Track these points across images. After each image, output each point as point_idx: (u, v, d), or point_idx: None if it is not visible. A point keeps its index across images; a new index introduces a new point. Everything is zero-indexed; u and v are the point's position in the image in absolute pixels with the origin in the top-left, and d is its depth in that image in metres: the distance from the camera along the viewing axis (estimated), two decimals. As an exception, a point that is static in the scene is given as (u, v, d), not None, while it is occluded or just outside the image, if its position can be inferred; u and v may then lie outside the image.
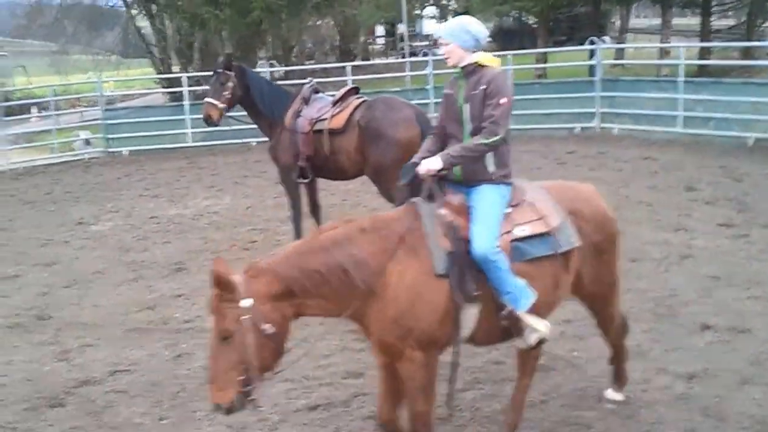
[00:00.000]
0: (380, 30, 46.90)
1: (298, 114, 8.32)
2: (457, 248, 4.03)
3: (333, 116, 8.17)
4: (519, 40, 33.93)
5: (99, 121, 17.66)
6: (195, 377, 5.79)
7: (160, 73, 26.70)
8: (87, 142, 18.07)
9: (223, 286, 3.64)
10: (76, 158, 17.38)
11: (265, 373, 3.82)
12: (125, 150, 17.07)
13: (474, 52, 4.31)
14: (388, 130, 7.82)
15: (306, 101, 8.40)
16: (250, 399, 3.73)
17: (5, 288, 8.38)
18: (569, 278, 4.41)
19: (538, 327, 4.23)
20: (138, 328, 6.92)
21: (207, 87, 9.20)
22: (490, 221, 4.15)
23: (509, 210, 4.27)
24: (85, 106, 24.66)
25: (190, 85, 17.47)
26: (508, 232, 4.20)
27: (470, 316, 4.07)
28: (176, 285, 8.02)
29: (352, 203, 11.10)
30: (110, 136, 17.22)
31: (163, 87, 26.35)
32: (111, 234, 10.50)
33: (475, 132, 4.24)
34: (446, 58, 4.36)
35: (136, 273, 8.56)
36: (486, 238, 4.08)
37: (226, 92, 8.52)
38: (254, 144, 16.75)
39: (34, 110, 24.05)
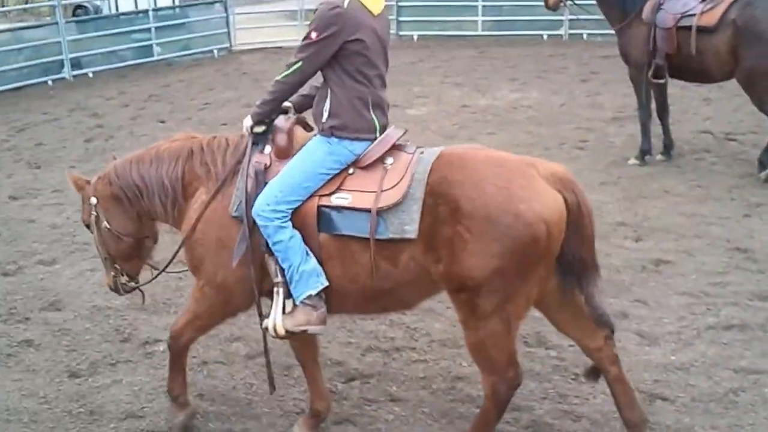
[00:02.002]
0: None
1: (659, 7, 7.69)
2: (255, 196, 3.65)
3: (703, 12, 7.46)
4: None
5: (391, 3, 17.64)
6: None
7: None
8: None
9: (77, 186, 4.17)
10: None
11: (132, 266, 4.25)
12: (415, 34, 17.01)
13: None
14: (768, 32, 7.05)
15: (668, -6, 7.72)
16: (129, 285, 4.26)
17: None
18: (411, 269, 3.53)
19: (274, 318, 3.67)
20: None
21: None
22: (284, 179, 3.61)
23: (351, 171, 3.63)
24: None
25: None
26: (325, 195, 3.59)
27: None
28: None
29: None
30: (401, 19, 17.18)
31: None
32: (430, 120, 10.50)
33: None
34: None
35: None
36: (264, 196, 3.60)
37: (568, -23, 8.08)
38: (545, 37, 16.15)
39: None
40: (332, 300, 3.68)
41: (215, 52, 16.09)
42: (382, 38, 3.68)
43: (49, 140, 9.90)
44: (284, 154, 3.72)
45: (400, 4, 17.12)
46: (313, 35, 3.55)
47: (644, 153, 8.03)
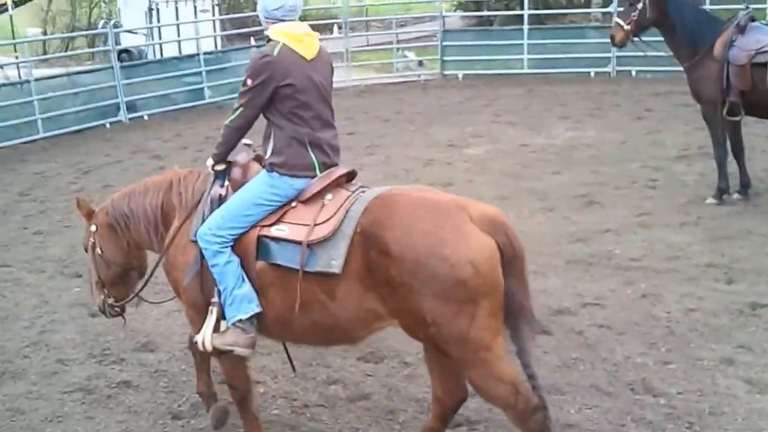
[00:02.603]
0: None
1: (731, 44, 7.65)
2: None
3: (780, 49, 7.42)
4: None
5: (435, 43, 17.82)
6: (679, 321, 5.53)
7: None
8: (420, 63, 18.39)
9: (83, 213, 4.65)
10: (408, 79, 17.75)
11: (118, 292, 4.66)
12: (460, 74, 17.10)
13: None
14: None
15: (741, 30, 7.69)
16: (115, 310, 4.69)
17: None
18: (346, 305, 3.68)
19: (204, 334, 3.98)
20: (580, 261, 6.76)
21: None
22: (228, 207, 3.93)
23: (294, 204, 3.88)
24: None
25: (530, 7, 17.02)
26: (266, 226, 3.86)
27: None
28: (596, 218, 7.78)
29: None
30: (446, 58, 17.29)
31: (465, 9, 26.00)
32: (488, 159, 10.49)
33: None
34: None
35: (544, 202, 8.42)
36: (209, 223, 3.92)
37: (634, 14, 8.08)
38: (592, 75, 16.17)
39: (335, 28, 25.01)
40: (274, 326, 3.97)
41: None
42: (317, 82, 3.91)
43: (116, 182, 9.98)
44: (238, 185, 4.03)
45: (444, 43, 17.26)
46: (249, 82, 3.87)
47: (722, 192, 7.94)
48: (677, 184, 8.65)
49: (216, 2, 23.32)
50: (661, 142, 10.57)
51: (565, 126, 12.22)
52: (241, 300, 3.84)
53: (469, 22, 24.90)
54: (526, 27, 16.69)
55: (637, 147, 10.45)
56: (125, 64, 15.16)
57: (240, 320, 3.86)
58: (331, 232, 3.66)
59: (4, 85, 14.19)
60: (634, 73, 15.77)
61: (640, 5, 7.99)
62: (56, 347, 5.71)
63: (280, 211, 3.87)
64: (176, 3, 23.15)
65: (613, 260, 6.71)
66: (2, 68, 16.87)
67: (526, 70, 16.83)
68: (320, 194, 3.84)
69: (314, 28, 4.17)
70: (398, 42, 22.77)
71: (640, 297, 5.98)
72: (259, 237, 3.83)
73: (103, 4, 31.52)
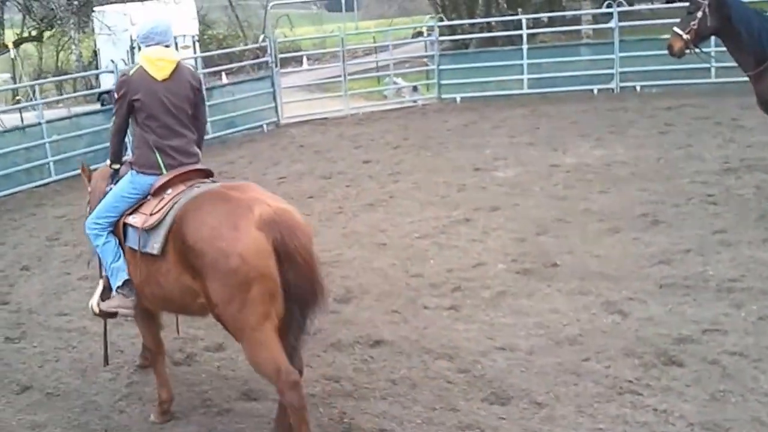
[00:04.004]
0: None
1: (802, 52, 7.42)
2: None
3: None
4: None
5: (425, 68, 17.52)
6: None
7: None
8: (415, 88, 18.05)
9: (85, 175, 5.54)
10: (403, 105, 17.37)
11: None
12: (458, 97, 16.78)
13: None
14: None
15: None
16: None
17: (483, 232, 8.17)
18: (170, 280, 4.49)
19: (93, 299, 5.04)
20: (674, 284, 6.39)
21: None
22: (105, 200, 4.87)
23: (148, 198, 4.70)
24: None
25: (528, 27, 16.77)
26: (128, 215, 4.70)
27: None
28: (669, 238, 7.43)
29: None
30: (442, 82, 16.97)
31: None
32: (525, 181, 10.12)
33: None
34: None
35: (605, 223, 8.06)
36: (93, 212, 4.90)
37: (693, 22, 7.78)
38: (595, 92, 15.97)
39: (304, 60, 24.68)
40: (141, 297, 4.80)
41: (264, 126, 15.78)
42: (162, 98, 4.72)
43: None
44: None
45: (441, 67, 16.94)
46: (115, 96, 4.83)
47: (795, 205, 7.66)
48: (737, 199, 8.35)
49: (195, 39, 22.81)
50: (698, 156, 10.30)
51: (589, 144, 11.90)
52: (117, 270, 4.76)
53: (447, 45, 24.65)
54: (525, 47, 16.43)
55: (676, 163, 10.16)
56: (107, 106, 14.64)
57: (120, 287, 4.77)
58: (157, 221, 4.51)
59: (12, 129, 13.59)
60: (638, 88, 15.60)
61: (699, 14, 7.70)
62: (151, 399, 5.30)
63: (138, 203, 4.72)
64: (158, 41, 22.73)
65: (710, 282, 6.35)
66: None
67: (526, 90, 16.56)
68: (163, 189, 4.68)
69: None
70: (378, 68, 22.64)
71: (757, 320, 5.62)
72: (123, 224, 4.74)
73: (73, 46, 30.64)
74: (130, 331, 6.36)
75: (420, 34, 22.21)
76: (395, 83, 19.19)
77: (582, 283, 6.60)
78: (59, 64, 32.16)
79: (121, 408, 5.33)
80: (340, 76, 22.08)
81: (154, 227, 4.49)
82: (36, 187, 12.52)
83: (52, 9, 18.22)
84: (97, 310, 4.99)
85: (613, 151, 11.30)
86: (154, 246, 4.46)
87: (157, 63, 4.75)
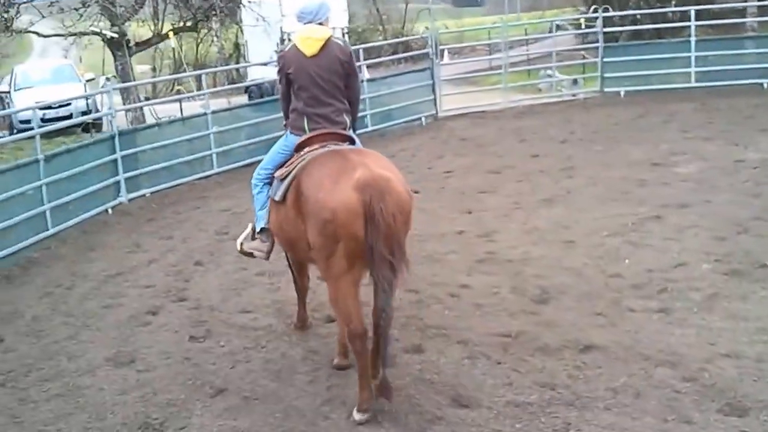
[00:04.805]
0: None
1: None
2: None
3: None
4: None
5: (589, 60, 17.00)
6: None
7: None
8: (575, 81, 17.59)
9: None
10: (562, 99, 16.95)
11: None
12: (622, 90, 16.20)
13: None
14: None
15: None
16: None
17: (666, 239, 7.78)
18: (290, 225, 5.12)
19: (240, 237, 5.98)
20: None
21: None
22: (266, 156, 5.63)
23: (293, 154, 5.32)
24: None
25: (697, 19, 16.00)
26: (277, 169, 5.36)
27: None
28: None
29: None
30: (606, 75, 16.41)
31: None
32: (710, 177, 9.63)
33: None
34: None
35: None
36: (257, 168, 5.68)
37: None
38: (765, 86, 15.07)
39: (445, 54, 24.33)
40: (277, 241, 5.65)
41: (423, 119, 15.71)
42: (311, 72, 5.31)
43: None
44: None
45: (604, 60, 16.39)
46: (277, 69, 5.66)
47: None
48: None
49: (345, 31, 23.04)
50: None
51: (769, 139, 11.24)
52: (260, 218, 5.64)
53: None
54: (693, 39, 15.70)
55: None
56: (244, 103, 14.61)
57: (259, 232, 5.68)
58: (287, 172, 5.16)
59: (176, 120, 13.77)
60: (817, 80, 14.63)
61: None
62: (354, 404, 4.92)
63: (287, 159, 5.36)
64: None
65: None
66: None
67: (693, 84, 15.79)
68: (302, 147, 5.29)
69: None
70: (528, 61, 22.25)
71: None
72: (272, 177, 5.44)
73: (215, 38, 31.64)
74: (321, 331, 6.28)
75: (558, 27, 21.64)
76: (549, 76, 18.78)
77: (800, 286, 6.17)
78: (198, 56, 33.29)
79: (325, 413, 4.99)
80: (488, 69, 22.23)
81: (283, 178, 5.16)
82: (198, 179, 12.34)
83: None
84: (239, 248, 5.95)
85: (803, 146, 10.62)
86: (278, 193, 5.17)
87: (306, 41, 5.35)
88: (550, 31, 21.69)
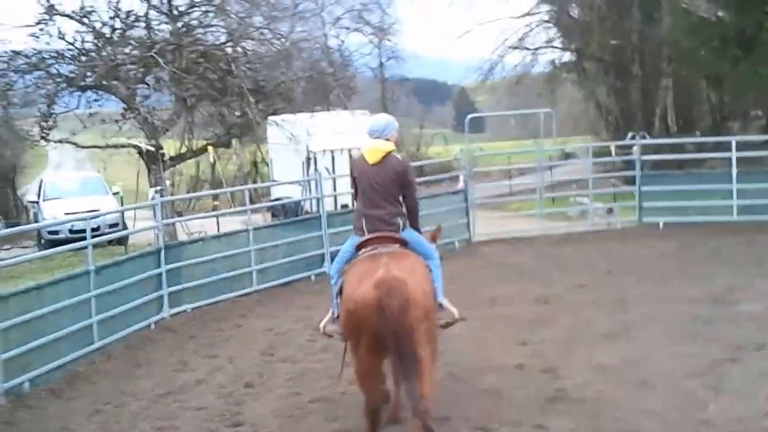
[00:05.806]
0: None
1: None
2: None
3: None
4: None
5: (632, 188, 16.76)
6: None
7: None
8: (610, 210, 17.39)
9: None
10: (596, 228, 16.68)
11: None
12: (661, 221, 15.99)
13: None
14: None
15: None
16: None
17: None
18: None
19: (323, 320, 6.81)
20: None
21: None
22: (339, 252, 6.56)
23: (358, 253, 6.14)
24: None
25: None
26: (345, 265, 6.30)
27: None
28: None
29: None
30: (644, 204, 16.23)
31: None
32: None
33: None
34: None
35: None
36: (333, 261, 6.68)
37: None
38: (812, 221, 14.89)
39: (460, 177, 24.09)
40: None
41: (456, 243, 15.47)
42: (371, 179, 6.17)
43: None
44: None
45: (642, 189, 16.22)
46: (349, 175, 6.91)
47: None
48: None
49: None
50: None
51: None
52: (335, 305, 6.30)
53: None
54: (734, 170, 15.56)
55: None
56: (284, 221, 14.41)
57: (335, 318, 6.34)
58: (343, 271, 6.21)
59: (219, 236, 13.61)
60: None
61: None
62: None
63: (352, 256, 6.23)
64: (332, 152, 22.88)
65: None
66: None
67: (735, 218, 15.56)
68: (359, 248, 6.12)
69: None
70: (553, 187, 22.05)
71: None
72: (342, 272, 6.23)
73: (234, 156, 31.79)
74: None
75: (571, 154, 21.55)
76: (579, 203, 18.62)
77: None
78: (215, 173, 33.35)
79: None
80: (516, 193, 22.20)
81: (341, 275, 6.19)
82: (238, 296, 12.13)
83: (246, 113, 18.62)
84: (321, 330, 6.71)
85: None
86: (335, 288, 6.27)
87: (371, 151, 6.24)
88: (568, 157, 21.66)
